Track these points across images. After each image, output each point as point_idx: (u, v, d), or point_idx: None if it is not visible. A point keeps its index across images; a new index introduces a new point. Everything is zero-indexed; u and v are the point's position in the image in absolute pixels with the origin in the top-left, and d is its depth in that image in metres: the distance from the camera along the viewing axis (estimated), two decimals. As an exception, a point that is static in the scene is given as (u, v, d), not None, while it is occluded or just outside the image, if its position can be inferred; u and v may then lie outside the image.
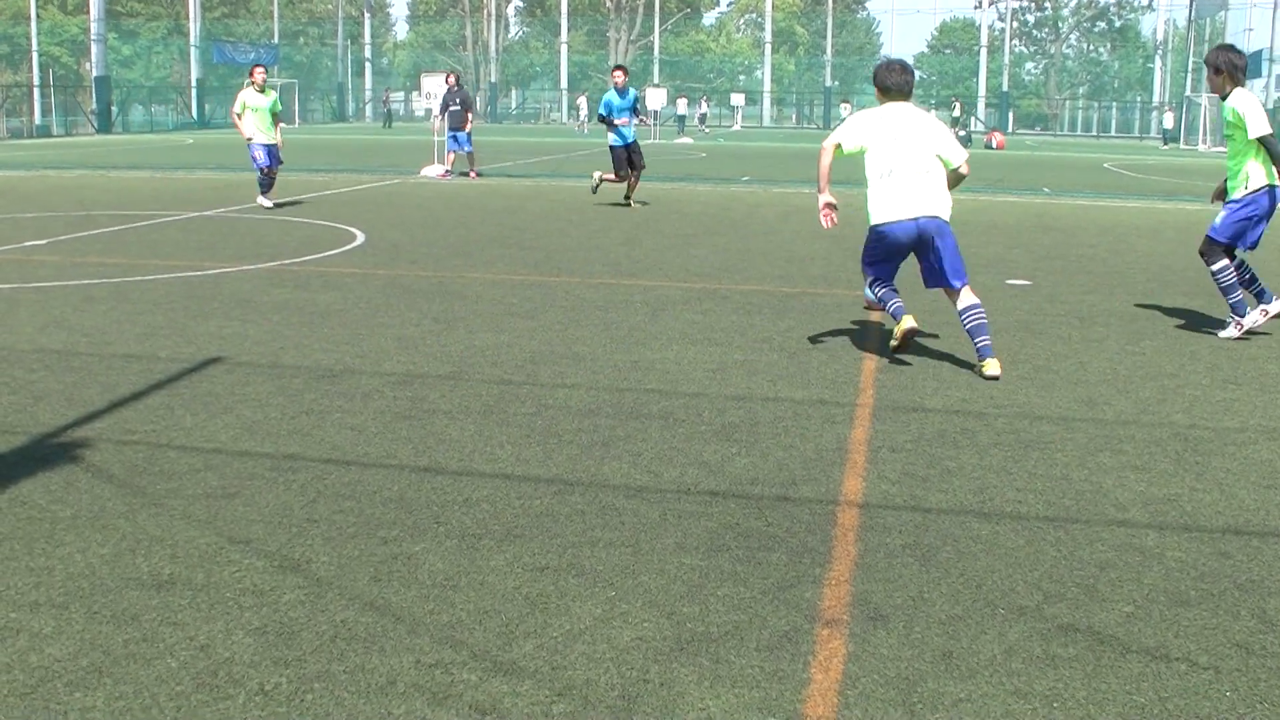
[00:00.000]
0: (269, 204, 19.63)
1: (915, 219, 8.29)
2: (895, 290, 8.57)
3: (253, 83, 19.86)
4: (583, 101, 70.86)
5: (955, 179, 8.57)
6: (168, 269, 12.44)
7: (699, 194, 23.96)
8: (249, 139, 19.81)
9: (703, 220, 18.70)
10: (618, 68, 21.46)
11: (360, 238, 15.46)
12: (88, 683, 3.77)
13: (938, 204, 8.34)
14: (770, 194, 24.10)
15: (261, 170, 19.76)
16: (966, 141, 53.17)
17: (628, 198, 20.96)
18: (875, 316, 10.33)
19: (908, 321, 8.33)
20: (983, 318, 8.28)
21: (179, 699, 3.68)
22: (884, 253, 8.54)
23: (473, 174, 26.64)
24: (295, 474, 5.87)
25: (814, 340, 9.30)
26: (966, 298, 8.35)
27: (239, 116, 19.82)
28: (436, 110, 28.40)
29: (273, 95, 20.14)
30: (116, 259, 13.11)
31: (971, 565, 4.86)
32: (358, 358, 8.44)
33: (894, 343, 8.59)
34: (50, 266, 12.52)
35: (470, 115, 26.74)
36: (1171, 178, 33.06)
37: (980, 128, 69.80)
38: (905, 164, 8.33)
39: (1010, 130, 74.93)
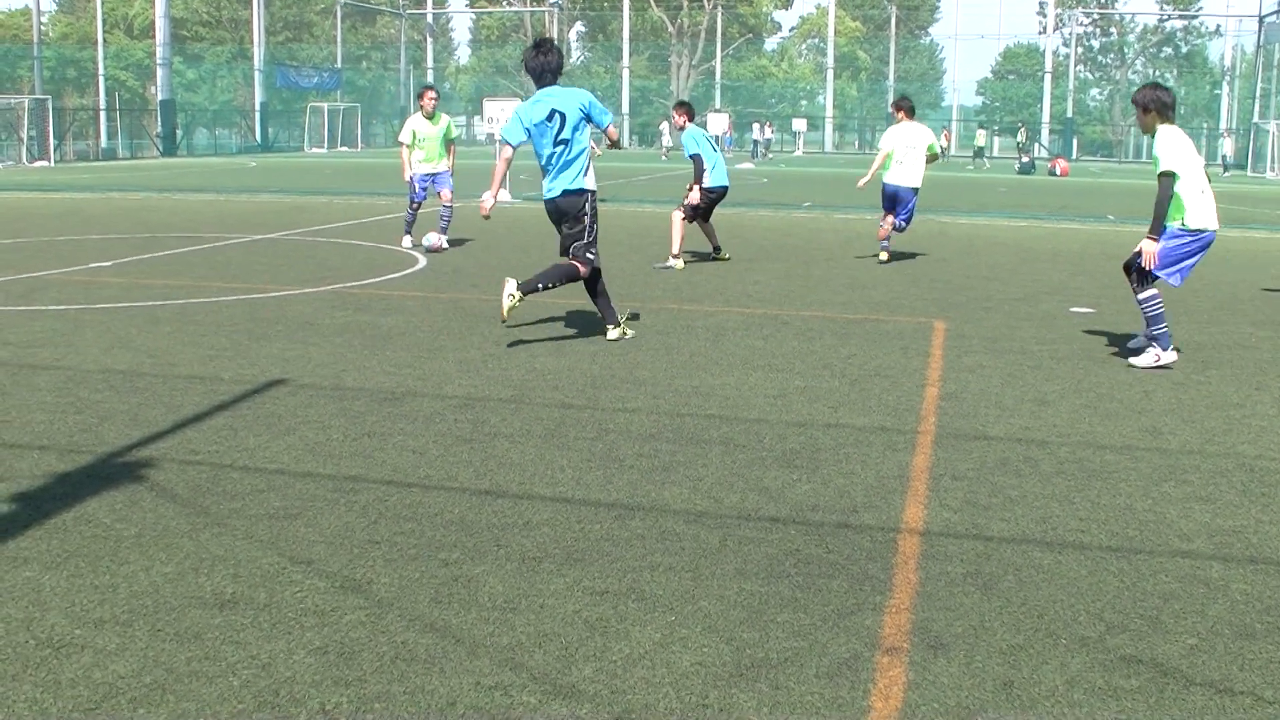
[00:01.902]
0: (410, 244, 17.27)
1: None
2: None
3: (421, 108, 17.32)
4: (665, 127, 70.09)
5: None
6: (231, 291, 12.57)
7: (760, 220, 23.96)
8: (408, 178, 17.46)
9: (764, 246, 18.70)
10: None
11: (422, 261, 15.57)
12: (151, 700, 3.81)
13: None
14: (832, 220, 24.06)
15: (412, 206, 17.42)
16: (1030, 168, 52.85)
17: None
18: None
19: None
20: None
21: (240, 717, 3.71)
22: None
23: None
24: (357, 495, 5.90)
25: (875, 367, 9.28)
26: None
27: (409, 148, 17.29)
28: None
29: (445, 121, 17.54)
30: (181, 281, 13.26)
31: (1033, 594, 4.82)
32: (419, 380, 8.49)
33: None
34: (115, 288, 12.69)
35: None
36: (1239, 205, 32.70)
37: (1044, 154, 69.39)
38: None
39: (1074, 157, 74.43)
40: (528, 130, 9.85)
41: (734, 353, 9.73)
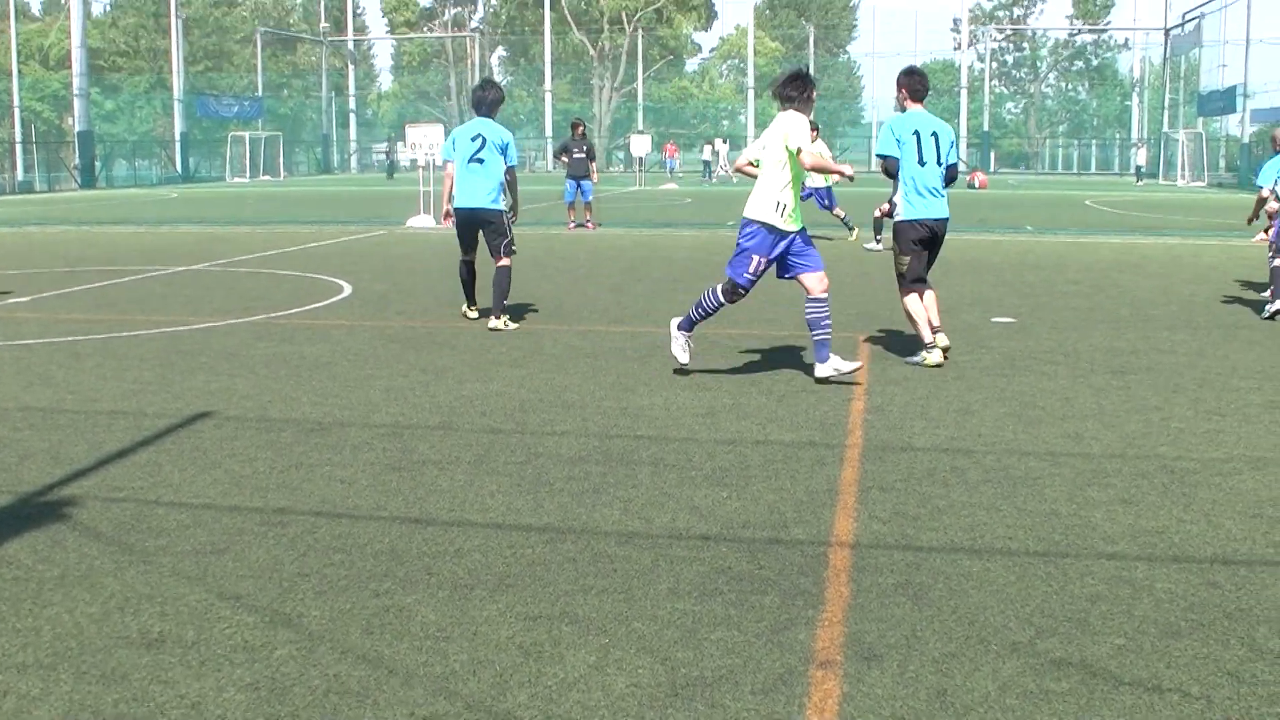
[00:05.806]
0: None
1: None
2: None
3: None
4: (722, 149, 66.69)
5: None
6: (153, 324, 12.43)
7: (685, 239, 24.03)
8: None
9: (689, 265, 18.74)
10: None
11: (347, 289, 15.48)
12: (79, 742, 3.75)
13: None
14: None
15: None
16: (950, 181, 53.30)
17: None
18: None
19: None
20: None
21: (171, 756, 3.66)
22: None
23: (591, 225, 25.94)
24: (285, 528, 5.85)
25: (803, 383, 9.32)
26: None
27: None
28: (554, 154, 26.96)
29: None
30: (102, 315, 13.11)
31: (964, 602, 4.86)
32: (346, 410, 8.44)
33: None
34: (34, 323, 12.51)
35: (594, 165, 26.16)
36: (1151, 213, 33.22)
37: (963, 168, 70.04)
38: None
39: (992, 169, 75.21)
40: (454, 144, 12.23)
41: (662, 372, 9.75)
